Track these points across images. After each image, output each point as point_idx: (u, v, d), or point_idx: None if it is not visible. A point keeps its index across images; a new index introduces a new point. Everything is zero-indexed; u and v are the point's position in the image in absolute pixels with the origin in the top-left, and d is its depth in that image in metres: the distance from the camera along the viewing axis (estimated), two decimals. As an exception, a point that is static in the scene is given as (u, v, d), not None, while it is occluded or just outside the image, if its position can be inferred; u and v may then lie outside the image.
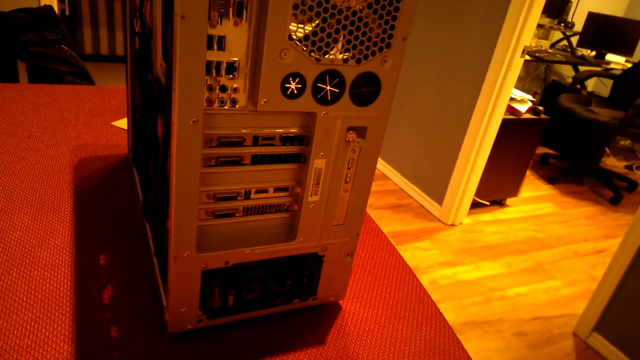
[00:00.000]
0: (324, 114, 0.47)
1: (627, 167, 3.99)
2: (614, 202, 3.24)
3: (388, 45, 0.46)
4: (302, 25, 0.42)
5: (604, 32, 3.90)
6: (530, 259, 2.43)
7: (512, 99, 2.48)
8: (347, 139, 0.50)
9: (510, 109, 2.49)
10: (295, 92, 0.45)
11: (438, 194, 2.62)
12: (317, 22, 0.43)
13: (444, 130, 2.56)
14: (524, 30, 2.10)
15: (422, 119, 2.72)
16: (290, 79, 0.44)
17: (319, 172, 0.51)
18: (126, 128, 1.00)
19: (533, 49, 3.62)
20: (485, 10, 2.27)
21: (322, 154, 0.50)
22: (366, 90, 0.48)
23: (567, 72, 4.21)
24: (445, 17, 2.52)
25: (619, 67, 3.80)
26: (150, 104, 0.58)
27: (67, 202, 0.73)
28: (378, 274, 0.71)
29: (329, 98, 0.47)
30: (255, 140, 0.48)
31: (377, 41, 0.46)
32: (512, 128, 2.50)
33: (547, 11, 3.86)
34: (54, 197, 0.74)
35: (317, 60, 0.44)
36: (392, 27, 0.46)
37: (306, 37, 0.43)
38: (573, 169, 3.52)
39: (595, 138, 3.31)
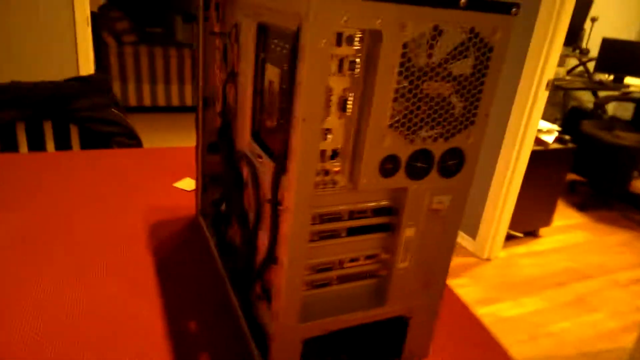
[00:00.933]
0: (415, 188, 0.51)
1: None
2: (649, 227, 3.19)
3: (472, 123, 0.50)
4: (399, 113, 0.46)
5: (620, 56, 3.94)
6: (571, 292, 2.39)
7: (539, 130, 2.50)
8: (435, 208, 0.53)
9: (538, 141, 2.51)
10: (391, 171, 0.49)
11: (471, 228, 2.61)
12: (411, 108, 0.47)
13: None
14: (547, 64, 2.15)
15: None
16: (388, 160, 0.48)
17: (409, 240, 0.54)
18: (188, 189, 1.05)
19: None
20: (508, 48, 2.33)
21: (411, 223, 0.53)
22: (452, 163, 0.52)
23: (586, 97, 4.23)
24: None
25: (639, 89, 3.82)
26: (239, 182, 0.63)
27: (149, 271, 0.77)
28: (443, 322, 0.73)
29: (420, 174, 0.50)
30: (351, 215, 0.52)
31: (463, 120, 0.50)
32: (541, 159, 2.51)
33: (562, 40, 3.92)
34: (136, 266, 0.78)
35: (411, 141, 0.48)
36: (476, 107, 0.50)
37: (402, 122, 0.47)
38: (601, 195, 3.48)
39: (623, 163, 3.29)
